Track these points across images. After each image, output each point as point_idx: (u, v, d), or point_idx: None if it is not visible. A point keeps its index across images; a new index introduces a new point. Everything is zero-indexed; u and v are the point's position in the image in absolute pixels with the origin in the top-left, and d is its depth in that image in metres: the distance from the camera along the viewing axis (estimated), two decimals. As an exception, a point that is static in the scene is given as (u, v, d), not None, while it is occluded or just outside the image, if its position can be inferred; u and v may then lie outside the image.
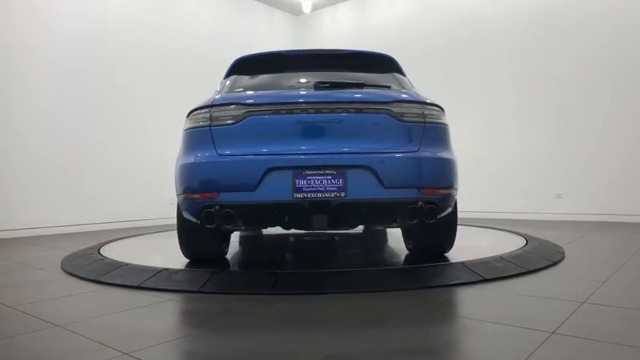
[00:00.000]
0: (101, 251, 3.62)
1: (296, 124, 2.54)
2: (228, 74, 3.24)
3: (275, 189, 2.47)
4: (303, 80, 3.01)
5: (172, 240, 4.15)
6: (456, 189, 2.77)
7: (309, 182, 2.45)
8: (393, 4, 8.15)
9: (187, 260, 3.23)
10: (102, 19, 6.29)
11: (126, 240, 4.47)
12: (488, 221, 5.99)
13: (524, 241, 3.69)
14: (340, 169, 2.45)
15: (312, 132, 2.55)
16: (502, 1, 6.98)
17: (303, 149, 2.52)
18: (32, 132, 5.60)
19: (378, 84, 2.97)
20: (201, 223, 2.63)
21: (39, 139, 5.63)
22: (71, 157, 5.88)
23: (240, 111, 2.60)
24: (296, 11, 9.15)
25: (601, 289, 2.40)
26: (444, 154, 2.68)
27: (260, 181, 2.46)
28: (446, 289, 2.46)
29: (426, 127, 2.61)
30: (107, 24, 6.34)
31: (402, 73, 3.19)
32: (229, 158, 2.55)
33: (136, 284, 2.66)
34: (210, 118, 2.64)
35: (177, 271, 2.85)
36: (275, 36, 8.95)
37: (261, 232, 4.63)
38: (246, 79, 3.13)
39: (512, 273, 2.74)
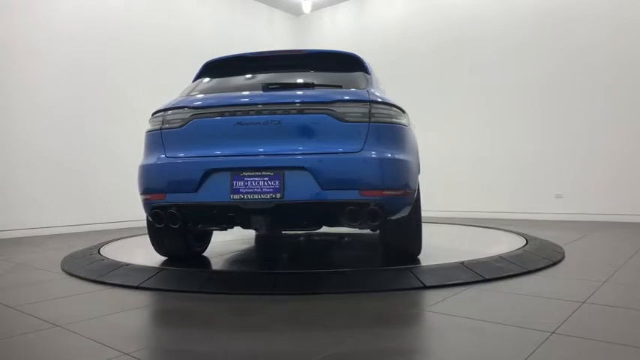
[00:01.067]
0: (101, 251, 3.63)
1: (236, 126, 2.57)
2: (197, 77, 3.25)
3: (214, 190, 2.53)
4: (258, 82, 2.94)
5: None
6: (411, 190, 2.65)
7: (246, 184, 2.49)
8: (393, 4, 8.15)
9: (188, 261, 3.24)
10: (102, 19, 6.30)
11: (126, 240, 4.47)
12: (488, 221, 5.99)
13: (524, 241, 3.69)
14: (277, 170, 2.47)
15: (251, 134, 2.56)
16: (502, 1, 6.98)
17: (241, 151, 2.55)
18: (32, 132, 5.60)
19: (334, 83, 2.87)
20: (153, 222, 2.77)
21: (39, 139, 5.63)
22: (71, 156, 5.88)
23: (187, 114, 2.67)
24: (296, 11, 9.15)
25: (601, 290, 2.40)
26: (393, 155, 2.54)
27: (200, 183, 2.54)
28: (445, 289, 2.46)
29: (372, 127, 2.51)
30: (107, 24, 6.34)
31: (367, 72, 3.02)
32: (175, 160, 2.64)
33: (135, 284, 2.66)
34: (162, 122, 2.75)
35: (177, 271, 2.85)
36: (275, 36, 8.95)
37: (279, 232, 4.63)
38: (209, 83, 3.13)
39: (512, 273, 2.74)
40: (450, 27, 7.47)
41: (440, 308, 2.10)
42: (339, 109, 2.52)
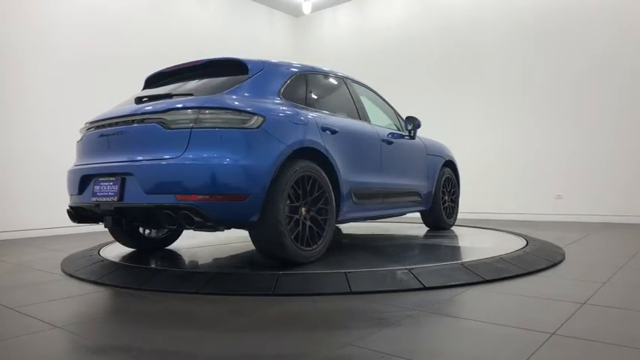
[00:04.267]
0: (101, 252, 3.62)
1: (100, 138, 2.95)
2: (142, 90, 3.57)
3: (86, 193, 2.98)
4: (144, 96, 3.11)
5: (173, 245, 4.15)
6: (243, 195, 2.58)
7: (100, 188, 2.85)
8: (393, 6, 8.15)
9: (189, 261, 3.24)
10: (102, 20, 6.31)
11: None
12: (488, 222, 5.99)
13: (525, 242, 3.69)
14: (117, 176, 2.77)
15: (107, 144, 2.91)
16: (503, 2, 6.98)
17: (100, 159, 2.93)
18: (31, 133, 5.60)
19: (206, 90, 2.94)
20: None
21: (38, 140, 5.64)
22: (71, 157, 5.87)
23: (85, 128, 3.18)
24: (296, 12, 9.16)
25: (601, 290, 2.40)
26: (215, 159, 2.54)
27: (80, 187, 3.02)
28: (446, 290, 2.46)
29: (195, 133, 2.57)
30: (107, 25, 6.35)
31: (249, 74, 3.00)
32: (73, 168, 3.17)
33: (136, 286, 2.66)
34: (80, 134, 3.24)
35: (178, 273, 2.85)
36: (275, 37, 8.96)
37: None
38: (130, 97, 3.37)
39: (513, 274, 2.74)
40: (450, 28, 7.47)
41: (440, 309, 2.10)
42: (168, 117, 2.65)
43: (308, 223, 2.93)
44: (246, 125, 2.66)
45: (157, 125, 2.66)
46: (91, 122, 3.12)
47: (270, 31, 8.89)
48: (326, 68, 3.79)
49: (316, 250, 2.97)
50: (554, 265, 3.08)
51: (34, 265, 3.56)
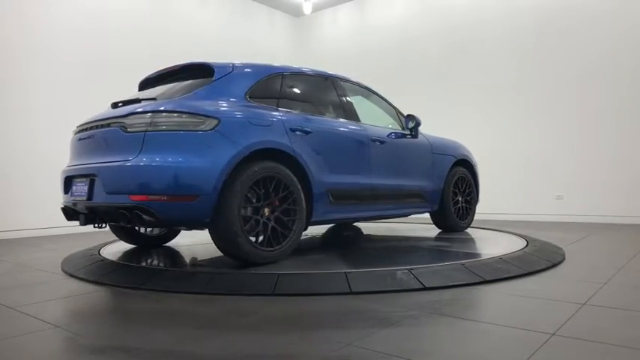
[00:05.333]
0: (101, 252, 3.62)
1: (78, 142, 3.17)
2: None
3: (69, 193, 3.16)
4: (119, 101, 3.25)
5: (173, 241, 4.15)
6: (193, 195, 2.64)
7: (76, 188, 3.05)
8: (394, 6, 8.16)
9: (189, 261, 3.25)
10: (102, 21, 6.31)
11: (126, 241, 4.47)
12: (489, 222, 5.98)
13: (525, 243, 3.69)
14: (86, 178, 2.93)
15: (83, 147, 3.11)
16: (503, 3, 6.98)
17: (77, 161, 3.14)
18: (31, 132, 5.61)
19: (172, 94, 3.06)
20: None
21: (38, 139, 5.64)
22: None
23: (74, 131, 3.31)
24: (296, 12, 9.16)
25: (602, 291, 2.40)
26: (164, 161, 2.63)
27: (65, 187, 3.21)
28: (446, 290, 2.46)
29: (149, 136, 2.68)
30: (107, 25, 6.36)
31: (214, 77, 3.09)
32: (63, 169, 3.32)
33: (136, 285, 2.66)
34: None
35: (178, 272, 2.85)
36: (275, 37, 8.96)
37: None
38: None
39: (513, 274, 2.74)
40: (450, 28, 7.47)
41: (440, 310, 2.10)
42: (127, 121, 2.79)
43: (271, 223, 2.94)
44: (199, 128, 2.72)
45: (118, 129, 2.80)
46: (78, 126, 3.29)
47: (270, 32, 8.89)
48: (306, 68, 3.76)
49: (280, 251, 2.97)
50: (555, 265, 3.08)
51: (34, 264, 3.56)
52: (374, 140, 3.73)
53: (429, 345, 1.71)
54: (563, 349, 1.59)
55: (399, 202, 4.04)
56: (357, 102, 4.09)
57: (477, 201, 4.94)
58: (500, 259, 2.96)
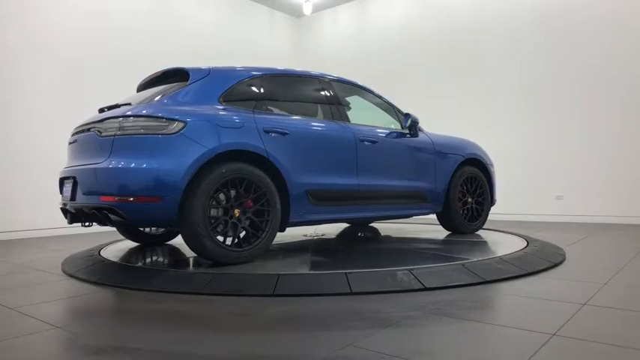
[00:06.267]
0: (102, 253, 3.62)
1: (69, 145, 3.34)
2: None
3: (62, 194, 3.31)
4: (104, 107, 3.39)
5: (174, 241, 4.15)
6: (157, 197, 2.73)
7: (65, 189, 3.22)
8: (394, 6, 8.16)
9: (189, 261, 3.25)
10: (103, 21, 6.31)
11: (127, 241, 4.47)
12: (488, 223, 5.98)
13: (525, 243, 3.69)
14: (70, 179, 3.10)
15: (71, 150, 3.28)
16: (503, 3, 6.98)
17: (67, 164, 3.30)
18: (31, 132, 5.61)
19: (150, 99, 3.16)
20: None
21: (38, 139, 5.64)
22: (72, 158, 5.89)
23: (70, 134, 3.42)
24: (297, 13, 9.16)
25: (602, 291, 2.39)
26: (129, 164, 2.75)
27: (60, 188, 3.36)
28: (446, 290, 2.46)
29: (117, 140, 2.81)
30: (108, 25, 6.36)
31: (189, 81, 3.19)
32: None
33: (136, 286, 2.66)
34: None
35: (178, 273, 2.85)
36: (276, 38, 8.97)
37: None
38: None
39: (513, 275, 2.74)
40: (450, 29, 7.47)
41: (440, 310, 2.10)
42: (101, 126, 2.94)
43: (241, 224, 2.98)
44: (164, 131, 2.81)
45: (95, 134, 2.95)
46: (73, 129, 3.45)
47: (270, 32, 8.90)
48: (293, 69, 3.76)
49: (250, 252, 3.00)
50: (555, 265, 3.08)
51: (35, 265, 3.56)
52: (362, 140, 3.66)
53: (429, 345, 1.70)
54: (563, 350, 1.59)
55: (395, 203, 3.94)
56: (354, 102, 4.08)
57: (491, 202, 4.72)
58: (501, 260, 2.96)
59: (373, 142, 3.76)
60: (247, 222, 3.01)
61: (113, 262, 3.21)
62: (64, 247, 4.49)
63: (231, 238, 2.96)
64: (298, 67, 8.38)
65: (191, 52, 7.22)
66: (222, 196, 2.94)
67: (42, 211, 5.56)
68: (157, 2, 7.00)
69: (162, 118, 2.83)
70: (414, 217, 4.29)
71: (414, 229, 5.18)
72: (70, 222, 3.18)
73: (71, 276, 3.07)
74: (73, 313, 2.30)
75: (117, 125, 2.84)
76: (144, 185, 2.73)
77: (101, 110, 3.22)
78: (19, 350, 1.71)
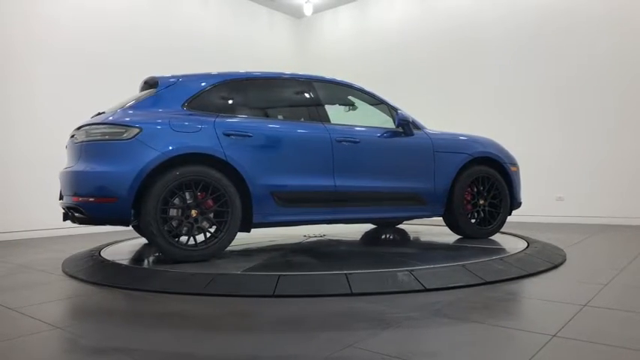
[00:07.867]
0: (102, 253, 3.63)
1: (66, 149, 3.53)
2: None
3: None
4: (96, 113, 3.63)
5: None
6: (112, 198, 2.97)
7: (60, 190, 3.43)
8: (394, 7, 8.16)
9: (191, 263, 3.25)
10: (103, 21, 6.31)
11: (128, 242, 4.47)
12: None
13: (526, 244, 3.68)
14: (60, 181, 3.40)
15: (66, 153, 3.49)
16: (503, 4, 6.98)
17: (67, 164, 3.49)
18: (32, 132, 5.61)
19: (114, 108, 3.41)
20: None
21: (39, 139, 5.64)
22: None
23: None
24: (297, 14, 9.17)
25: (603, 292, 2.39)
26: (89, 168, 3.06)
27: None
28: (446, 291, 2.46)
29: (83, 146, 3.13)
30: (108, 25, 6.36)
31: (158, 89, 3.40)
32: None
33: (137, 287, 2.66)
34: None
35: (179, 274, 2.85)
36: (276, 38, 8.97)
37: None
38: None
39: (514, 276, 2.74)
40: (451, 30, 7.47)
41: (441, 311, 2.10)
42: (77, 132, 3.25)
43: (197, 224, 3.13)
44: (121, 137, 3.05)
45: (73, 140, 3.28)
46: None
47: (271, 33, 8.90)
48: (269, 72, 3.78)
49: (203, 251, 3.14)
50: (555, 267, 3.08)
51: (35, 265, 3.56)
52: (340, 141, 3.56)
53: (430, 346, 1.70)
54: (564, 351, 1.59)
55: (383, 205, 3.75)
56: (347, 102, 4.06)
57: (512, 205, 4.33)
58: (501, 261, 2.96)
59: (354, 142, 3.62)
60: (204, 222, 3.16)
61: (114, 263, 3.21)
62: (65, 247, 4.50)
63: (187, 237, 3.14)
64: (298, 67, 8.38)
65: (191, 53, 7.22)
66: (177, 198, 3.10)
67: (42, 212, 5.56)
68: (157, 3, 7.01)
69: (121, 125, 3.07)
70: (399, 219, 4.17)
71: (431, 231, 5.15)
72: (63, 220, 3.39)
73: (72, 276, 3.07)
74: (74, 313, 2.30)
75: (84, 132, 3.15)
76: (102, 186, 3.02)
77: (93, 117, 3.44)
78: (19, 350, 1.72)
